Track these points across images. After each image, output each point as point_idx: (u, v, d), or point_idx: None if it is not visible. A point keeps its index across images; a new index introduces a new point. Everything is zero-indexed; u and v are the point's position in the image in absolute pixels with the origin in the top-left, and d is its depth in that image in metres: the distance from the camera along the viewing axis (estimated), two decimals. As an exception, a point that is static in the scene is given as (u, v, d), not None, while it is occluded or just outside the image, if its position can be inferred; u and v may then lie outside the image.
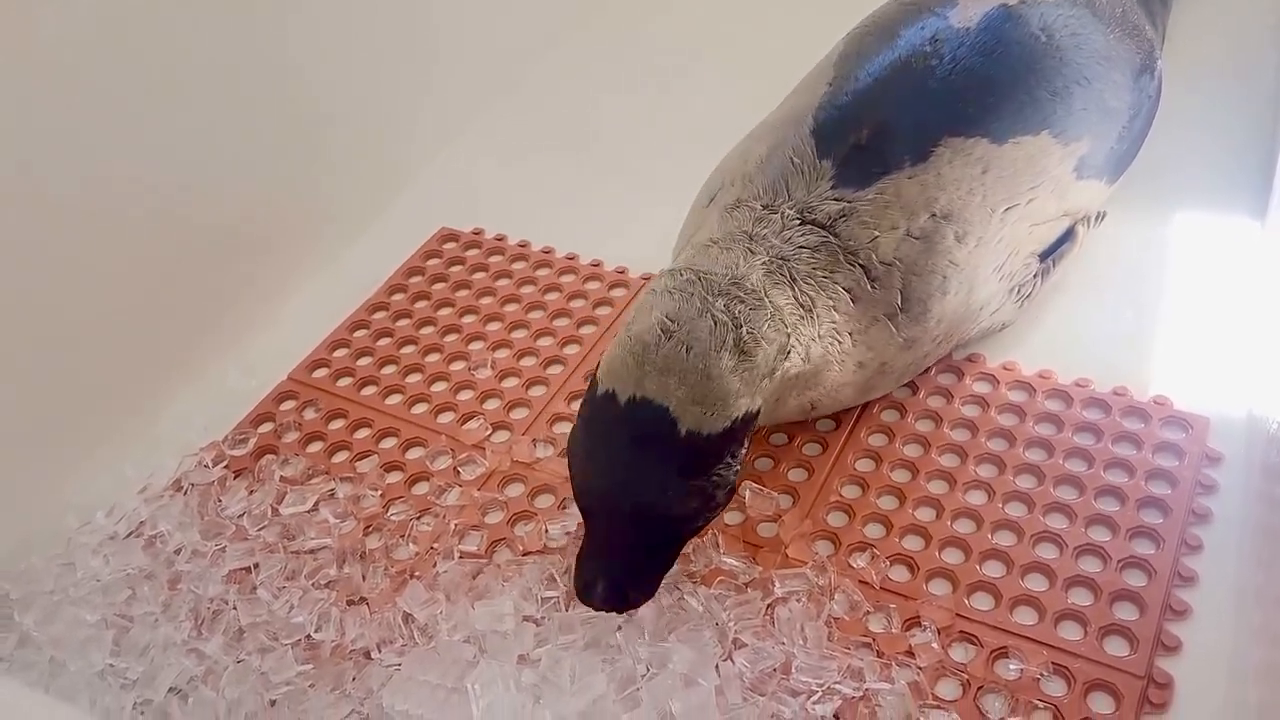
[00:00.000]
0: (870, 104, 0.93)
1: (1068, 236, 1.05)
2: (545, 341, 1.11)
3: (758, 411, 0.81)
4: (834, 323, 0.87)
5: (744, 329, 0.79)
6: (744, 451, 0.81)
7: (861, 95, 0.94)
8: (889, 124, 0.91)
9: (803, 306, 0.85)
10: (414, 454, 1.00)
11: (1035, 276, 1.02)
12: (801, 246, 0.86)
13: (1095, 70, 1.01)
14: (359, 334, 1.14)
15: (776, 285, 0.84)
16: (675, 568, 0.82)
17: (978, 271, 0.94)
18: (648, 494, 0.77)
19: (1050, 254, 1.03)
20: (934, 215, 0.90)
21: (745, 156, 0.95)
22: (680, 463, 0.77)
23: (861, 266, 0.88)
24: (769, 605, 0.82)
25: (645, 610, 0.81)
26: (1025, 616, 0.81)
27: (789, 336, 0.83)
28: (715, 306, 0.80)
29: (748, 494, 0.90)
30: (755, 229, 0.87)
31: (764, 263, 0.85)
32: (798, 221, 0.87)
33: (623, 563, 0.78)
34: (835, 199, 0.88)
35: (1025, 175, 0.95)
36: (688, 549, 0.86)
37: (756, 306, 0.81)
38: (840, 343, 0.88)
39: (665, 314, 0.79)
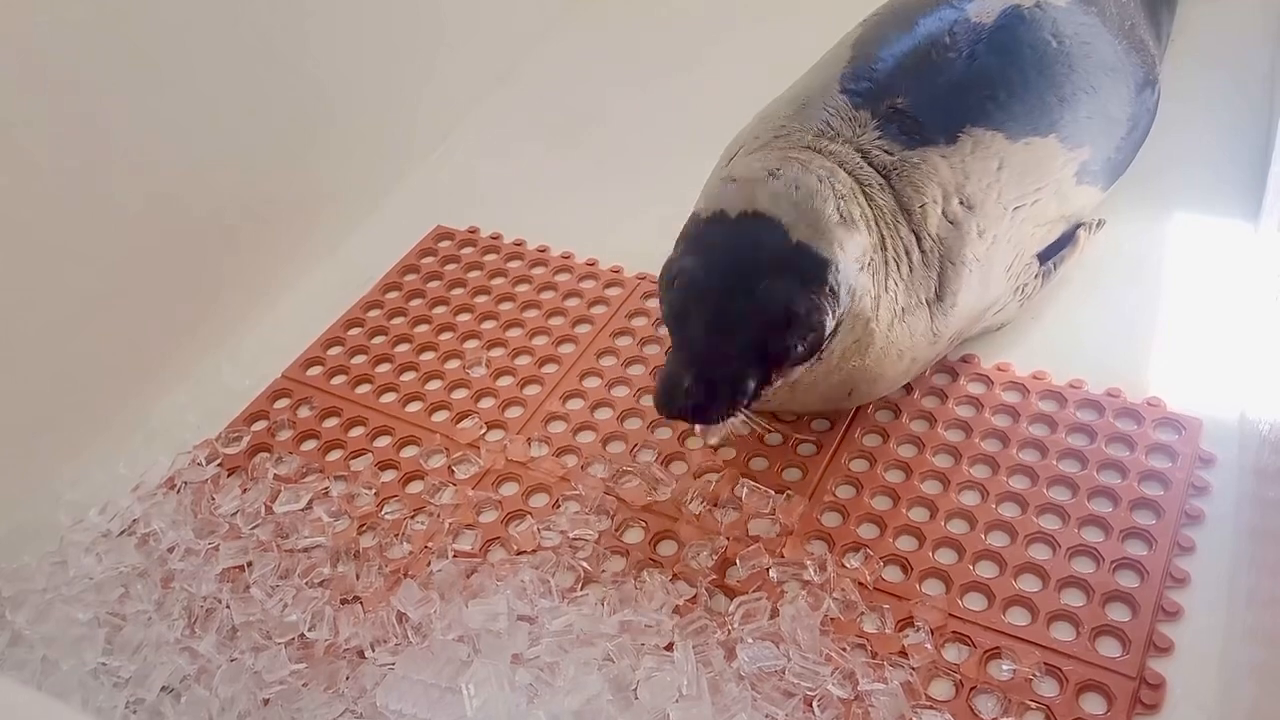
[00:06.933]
0: (896, 81, 0.93)
1: (1068, 240, 1.05)
2: (540, 340, 1.11)
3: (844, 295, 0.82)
4: (895, 284, 0.86)
5: (843, 202, 0.82)
6: (830, 328, 0.82)
7: (885, 73, 0.94)
8: (918, 100, 0.91)
9: (880, 241, 0.85)
10: (408, 452, 1.00)
11: (1036, 277, 1.02)
12: (870, 178, 0.86)
13: (1101, 80, 1.02)
14: (353, 331, 1.14)
15: (857, 201, 0.84)
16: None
17: (992, 269, 0.95)
18: (755, 291, 0.78)
19: (1050, 256, 1.04)
20: (962, 202, 0.90)
21: (767, 118, 0.93)
22: (789, 268, 0.79)
23: (914, 232, 0.87)
24: (769, 605, 0.82)
25: (644, 609, 0.81)
26: (1018, 617, 0.82)
27: (872, 246, 0.84)
28: (816, 170, 0.83)
29: (743, 492, 0.90)
30: (821, 144, 0.86)
31: (847, 174, 0.85)
32: (859, 156, 0.87)
33: (716, 368, 0.78)
34: (884, 150, 0.87)
35: (1033, 176, 0.96)
36: (687, 547, 0.87)
37: (850, 197, 0.83)
38: (894, 311, 0.87)
39: (767, 166, 0.82)
